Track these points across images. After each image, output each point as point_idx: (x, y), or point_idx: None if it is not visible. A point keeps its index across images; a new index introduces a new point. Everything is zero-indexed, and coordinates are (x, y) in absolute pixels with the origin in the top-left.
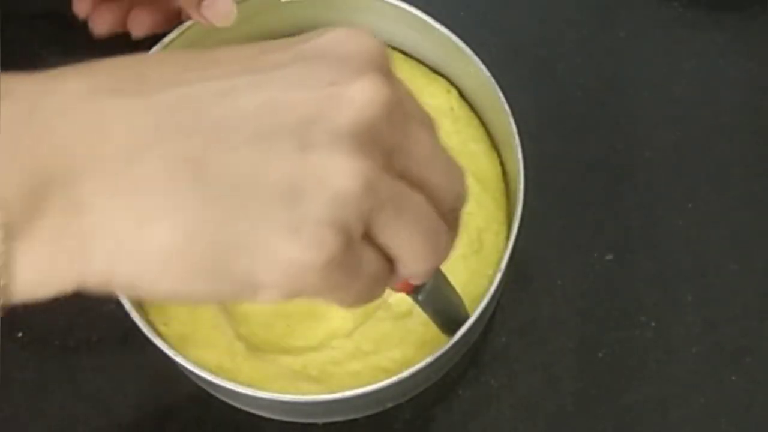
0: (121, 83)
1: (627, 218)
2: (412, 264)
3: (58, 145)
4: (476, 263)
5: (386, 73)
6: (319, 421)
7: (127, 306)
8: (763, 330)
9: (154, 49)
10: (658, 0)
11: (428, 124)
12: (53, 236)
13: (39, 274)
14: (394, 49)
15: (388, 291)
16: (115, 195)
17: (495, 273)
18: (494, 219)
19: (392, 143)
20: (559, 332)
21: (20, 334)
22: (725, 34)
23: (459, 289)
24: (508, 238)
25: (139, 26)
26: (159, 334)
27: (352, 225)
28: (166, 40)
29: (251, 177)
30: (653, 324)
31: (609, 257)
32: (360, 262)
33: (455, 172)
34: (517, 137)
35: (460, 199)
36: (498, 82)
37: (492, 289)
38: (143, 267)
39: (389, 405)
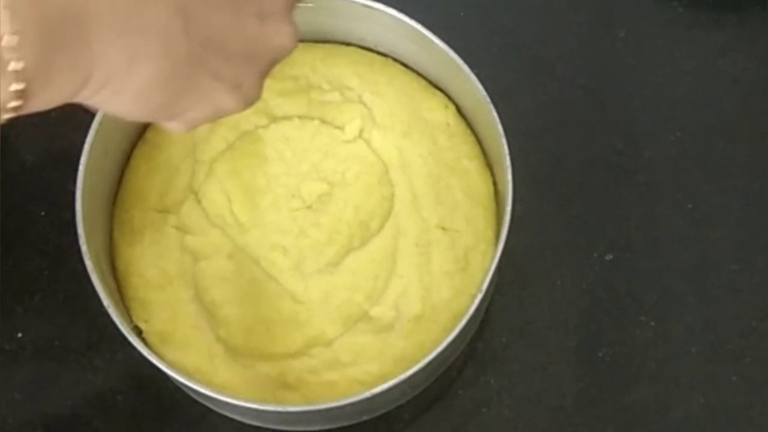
0: None
1: (627, 218)
2: None
3: None
4: (461, 282)
5: None
6: (293, 429)
7: (106, 303)
8: (763, 330)
9: None
10: (658, 0)
11: None
12: (67, 67)
13: (52, 90)
14: (395, 60)
15: (370, 303)
16: (117, 37)
17: (476, 294)
18: (483, 238)
19: None
20: (559, 332)
21: (20, 335)
22: (725, 34)
23: (442, 307)
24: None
25: None
26: (139, 333)
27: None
28: None
29: (222, 38)
30: (653, 324)
31: (609, 257)
32: None
33: None
34: (508, 158)
35: None
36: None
37: (471, 310)
38: (122, 94)
39: (365, 417)
